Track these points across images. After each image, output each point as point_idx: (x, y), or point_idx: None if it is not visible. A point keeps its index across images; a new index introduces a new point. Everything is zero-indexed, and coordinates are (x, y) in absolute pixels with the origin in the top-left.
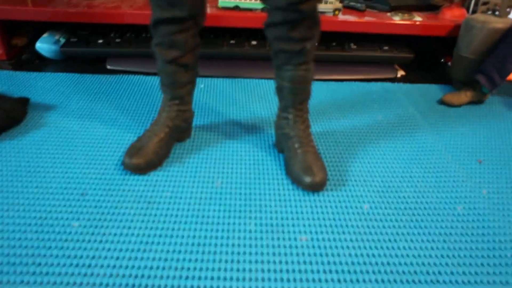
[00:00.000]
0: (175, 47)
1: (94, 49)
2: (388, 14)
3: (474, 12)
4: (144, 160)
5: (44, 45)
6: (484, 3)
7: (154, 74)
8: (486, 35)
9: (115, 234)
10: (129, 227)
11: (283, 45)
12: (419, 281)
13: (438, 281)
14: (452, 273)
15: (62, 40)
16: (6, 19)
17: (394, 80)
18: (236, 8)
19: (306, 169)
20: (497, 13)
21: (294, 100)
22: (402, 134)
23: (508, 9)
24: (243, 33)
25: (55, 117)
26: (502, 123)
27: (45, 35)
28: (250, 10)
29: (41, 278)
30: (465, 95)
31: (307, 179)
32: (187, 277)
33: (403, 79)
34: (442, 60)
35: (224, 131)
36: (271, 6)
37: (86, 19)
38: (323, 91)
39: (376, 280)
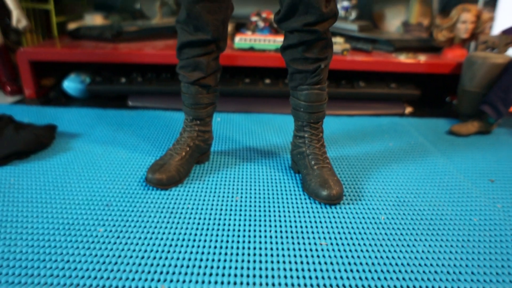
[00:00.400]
0: (198, 69)
1: (117, 87)
2: (393, 55)
3: (474, 51)
4: (166, 176)
5: (71, 84)
6: (483, 42)
7: (174, 109)
8: (487, 70)
9: (139, 238)
10: (153, 232)
11: (299, 65)
12: (440, 280)
13: (459, 280)
14: (473, 273)
15: (87, 80)
16: (38, 60)
17: (402, 115)
18: (251, 49)
19: (323, 183)
20: (495, 50)
21: (310, 118)
22: (414, 158)
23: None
24: (257, 72)
25: (80, 143)
26: (511, 150)
27: (71, 75)
28: (263, 51)
29: (69, 273)
30: (473, 125)
31: (324, 192)
32: (211, 274)
33: (411, 115)
34: (447, 99)
35: (241, 155)
36: (288, 29)
37: (111, 59)
38: (335, 124)
39: (398, 279)
